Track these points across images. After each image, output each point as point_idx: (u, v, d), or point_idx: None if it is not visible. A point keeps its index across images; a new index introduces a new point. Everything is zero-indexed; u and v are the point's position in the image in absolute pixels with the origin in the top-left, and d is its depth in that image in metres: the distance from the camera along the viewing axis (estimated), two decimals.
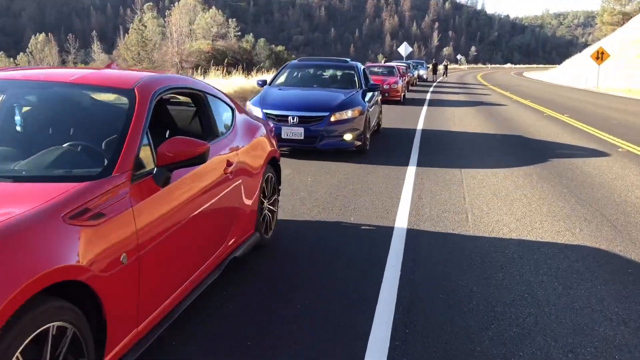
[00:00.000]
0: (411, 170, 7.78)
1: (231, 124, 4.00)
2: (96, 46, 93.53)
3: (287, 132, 8.02)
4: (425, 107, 18.28)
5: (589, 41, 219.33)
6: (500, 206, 6.06)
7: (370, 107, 9.52)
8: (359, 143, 8.42)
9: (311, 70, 10.10)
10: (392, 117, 14.80)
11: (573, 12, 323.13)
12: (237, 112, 4.18)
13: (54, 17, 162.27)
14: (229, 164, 3.54)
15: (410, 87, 29.03)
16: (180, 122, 4.12)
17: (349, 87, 9.47)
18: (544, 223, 5.40)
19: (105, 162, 2.50)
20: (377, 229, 5.10)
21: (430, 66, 47.71)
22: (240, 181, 3.71)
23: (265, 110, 8.23)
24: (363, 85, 9.53)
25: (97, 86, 3.09)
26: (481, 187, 6.96)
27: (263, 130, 4.58)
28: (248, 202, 3.89)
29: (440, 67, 51.47)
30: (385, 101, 19.20)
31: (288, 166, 7.47)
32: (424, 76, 40.60)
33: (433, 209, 5.86)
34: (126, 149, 2.54)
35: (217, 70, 29.04)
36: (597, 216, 5.70)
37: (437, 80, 44.15)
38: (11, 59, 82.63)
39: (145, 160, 2.62)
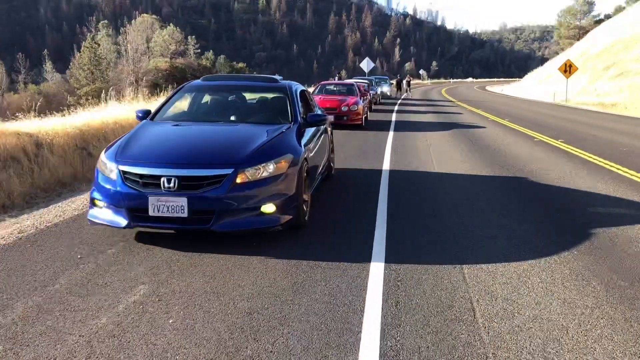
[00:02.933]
0: (376, 273, 4.40)
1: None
2: (48, 65, 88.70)
3: (158, 206, 4.63)
4: (391, 133, 15.09)
5: (545, 54, 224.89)
6: None
7: (312, 151, 6.22)
8: (288, 217, 5.05)
9: (220, 95, 6.68)
10: (350, 150, 11.53)
11: (529, 27, 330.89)
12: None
13: (7, 36, 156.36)
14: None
15: (374, 106, 25.98)
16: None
17: (277, 119, 6.11)
18: None
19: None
20: None
21: (394, 82, 44.98)
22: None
23: (122, 167, 4.81)
24: (299, 116, 6.16)
25: None
26: (513, 331, 3.65)
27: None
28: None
29: (403, 83, 48.85)
30: (343, 126, 16.01)
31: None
32: (388, 93, 37.70)
33: None
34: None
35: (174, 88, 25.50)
36: None
37: (402, 97, 41.38)
38: None
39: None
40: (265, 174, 4.88)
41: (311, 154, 6.08)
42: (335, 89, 18.39)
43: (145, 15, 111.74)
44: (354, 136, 14.26)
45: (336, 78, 27.80)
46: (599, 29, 66.34)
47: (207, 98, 6.72)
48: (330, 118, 16.38)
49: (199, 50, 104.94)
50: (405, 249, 4.95)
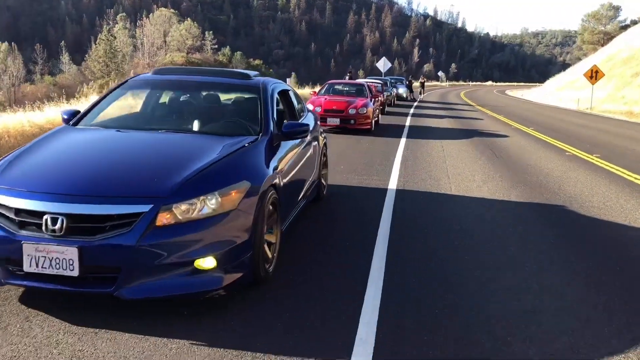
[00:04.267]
0: None
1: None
2: (65, 57, 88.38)
3: (36, 258, 3.09)
4: (403, 141, 13.47)
5: (567, 60, 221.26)
6: None
7: (290, 172, 4.66)
8: (236, 276, 3.47)
9: (172, 94, 5.12)
10: (353, 161, 9.94)
11: (551, 32, 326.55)
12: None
13: (29, 27, 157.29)
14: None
15: (387, 108, 24.34)
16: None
17: (241, 129, 4.53)
18: None
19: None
20: None
21: (419, 83, 43.18)
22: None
23: None
24: (272, 125, 4.56)
25: None
26: None
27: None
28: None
29: (417, 84, 46.91)
30: (350, 130, 14.42)
31: None
32: (404, 95, 35.96)
33: None
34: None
35: None
36: None
37: (416, 99, 39.61)
38: None
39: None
40: (204, 212, 3.33)
41: (287, 177, 4.52)
42: (343, 89, 16.76)
43: (163, 9, 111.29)
44: (360, 143, 12.66)
45: (347, 77, 26.03)
46: (626, 34, 63.91)
47: (158, 97, 5.17)
48: (335, 121, 14.91)
49: (216, 46, 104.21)
50: (404, 343, 3.37)
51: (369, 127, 14.71)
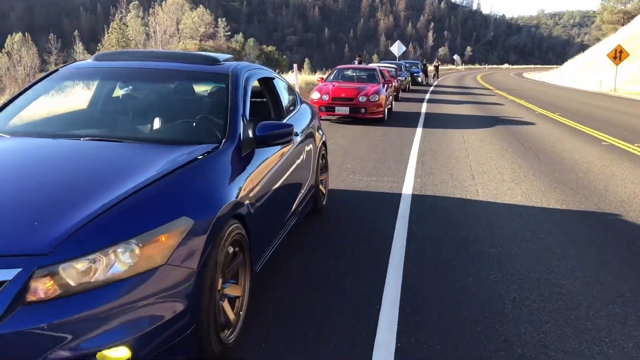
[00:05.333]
0: None
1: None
2: (79, 47, 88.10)
3: None
4: (419, 131, 12.16)
5: (585, 41, 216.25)
6: None
7: (269, 189, 3.43)
8: None
9: (111, 88, 3.83)
10: (361, 158, 8.67)
11: (568, 12, 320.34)
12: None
13: (43, 18, 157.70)
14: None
15: (402, 94, 22.96)
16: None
17: (199, 134, 3.33)
18: None
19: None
20: None
21: (433, 67, 41.53)
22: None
23: None
24: (240, 128, 3.27)
25: None
26: None
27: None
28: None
29: (431, 68, 45.15)
30: (361, 120, 13.15)
31: None
32: (419, 79, 34.41)
33: None
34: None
35: None
36: None
37: (434, 84, 38.06)
38: None
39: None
40: (113, 271, 2.13)
41: (264, 197, 3.31)
42: (353, 74, 15.41)
43: None
44: (371, 134, 11.38)
45: (356, 62, 24.51)
46: None
47: (98, 91, 3.95)
48: (344, 111, 13.62)
49: (229, 33, 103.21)
50: None
51: (381, 116, 13.40)
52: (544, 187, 6.89)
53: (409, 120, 14.37)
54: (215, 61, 3.86)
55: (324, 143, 5.55)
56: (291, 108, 4.77)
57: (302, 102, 5.33)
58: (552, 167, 8.31)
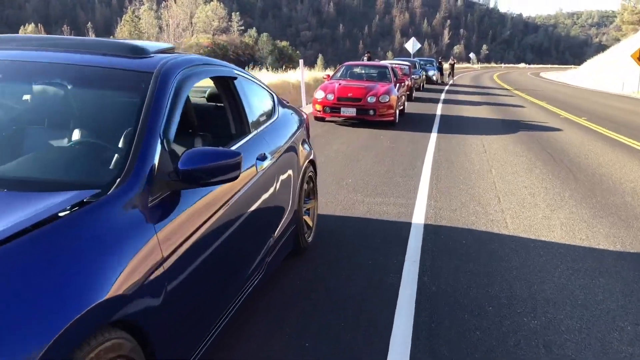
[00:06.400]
0: None
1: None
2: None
3: None
4: (433, 137, 10.88)
5: (603, 41, 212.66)
6: None
7: (195, 259, 2.20)
8: None
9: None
10: (366, 168, 7.41)
11: (587, 12, 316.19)
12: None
13: (59, 10, 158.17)
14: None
15: (416, 93, 21.64)
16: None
17: (87, 168, 2.12)
18: None
19: None
20: None
21: (448, 65, 40.07)
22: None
23: None
24: (152, 158, 2.05)
25: None
26: None
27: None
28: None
29: (446, 66, 43.64)
30: (369, 123, 11.90)
31: None
32: (434, 78, 32.99)
33: None
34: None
35: None
36: None
37: (449, 83, 36.61)
38: None
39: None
40: None
41: (193, 267, 2.10)
42: (362, 72, 14.11)
43: None
44: (379, 140, 10.11)
45: (365, 58, 23.12)
46: None
47: None
48: (351, 112, 12.35)
49: (243, 28, 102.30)
50: None
51: (392, 118, 12.11)
52: (587, 216, 5.60)
53: (422, 123, 13.07)
54: (140, 52, 2.62)
55: (311, 162, 4.30)
56: (263, 119, 3.52)
57: (283, 107, 4.09)
58: (591, 186, 7.00)
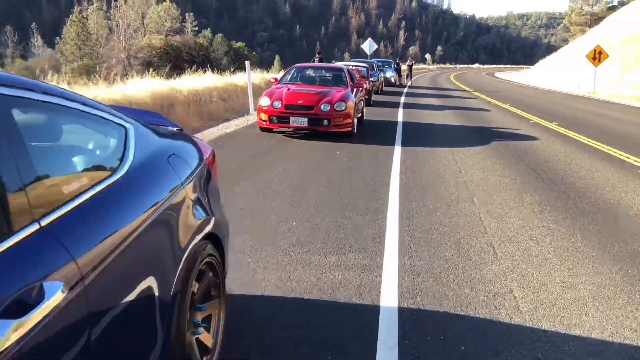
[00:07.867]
0: None
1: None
2: (38, 40, 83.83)
3: None
4: (398, 151, 9.25)
5: (552, 42, 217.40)
6: None
7: None
8: None
9: None
10: (315, 203, 5.67)
11: (536, 13, 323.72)
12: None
13: (4, 9, 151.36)
14: None
15: (374, 96, 20.09)
16: None
17: None
18: None
19: None
20: None
21: (406, 66, 38.84)
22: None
23: None
24: None
25: None
26: None
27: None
28: None
29: (404, 68, 42.44)
30: (323, 135, 10.19)
31: None
32: (392, 79, 31.61)
33: None
34: None
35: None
36: None
37: (408, 85, 35.34)
38: None
39: None
40: None
41: None
42: (315, 75, 12.36)
43: None
44: (335, 158, 8.41)
45: (316, 59, 21.31)
46: (620, 13, 60.07)
47: None
48: (301, 122, 10.60)
49: (197, 28, 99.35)
50: None
51: (349, 129, 10.41)
52: (619, 279, 4.01)
53: (384, 133, 11.45)
54: None
55: (210, 236, 2.52)
56: (76, 183, 1.73)
57: (160, 141, 2.31)
58: (603, 221, 5.47)
